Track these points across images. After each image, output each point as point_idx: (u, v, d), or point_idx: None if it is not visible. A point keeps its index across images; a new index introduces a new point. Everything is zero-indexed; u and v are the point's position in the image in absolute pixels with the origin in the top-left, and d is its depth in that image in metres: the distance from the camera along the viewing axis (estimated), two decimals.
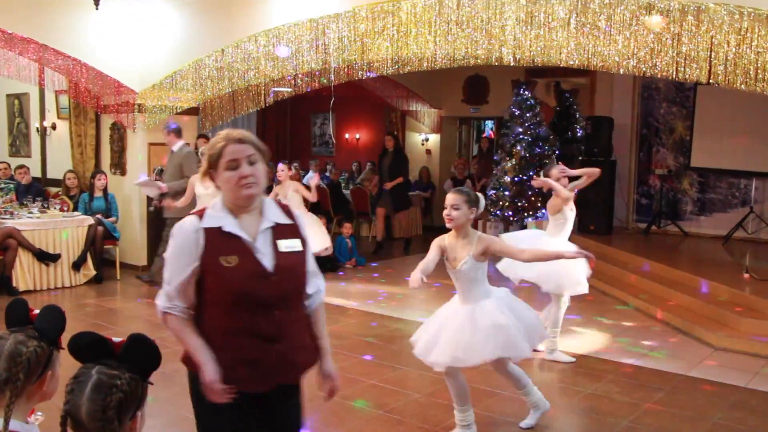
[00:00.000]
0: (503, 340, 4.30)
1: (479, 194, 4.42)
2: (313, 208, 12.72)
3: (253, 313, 2.62)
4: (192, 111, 10.32)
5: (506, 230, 12.70)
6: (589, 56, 6.83)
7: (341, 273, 10.26)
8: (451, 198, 4.35)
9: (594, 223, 11.83)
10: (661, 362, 6.25)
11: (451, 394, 4.63)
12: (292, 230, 2.78)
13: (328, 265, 9.80)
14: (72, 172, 10.23)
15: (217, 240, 2.62)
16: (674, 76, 6.41)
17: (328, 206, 13.25)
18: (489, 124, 18.19)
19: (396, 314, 7.33)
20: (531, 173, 12.30)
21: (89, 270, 9.19)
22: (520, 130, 12.43)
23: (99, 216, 9.44)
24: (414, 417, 5.01)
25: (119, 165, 10.26)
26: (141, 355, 1.95)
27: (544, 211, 12.36)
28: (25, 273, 8.67)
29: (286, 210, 2.82)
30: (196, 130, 10.59)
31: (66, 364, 2.00)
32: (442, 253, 4.41)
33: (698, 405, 5.27)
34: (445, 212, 4.36)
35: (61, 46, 8.95)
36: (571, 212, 6.43)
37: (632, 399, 5.35)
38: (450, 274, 4.47)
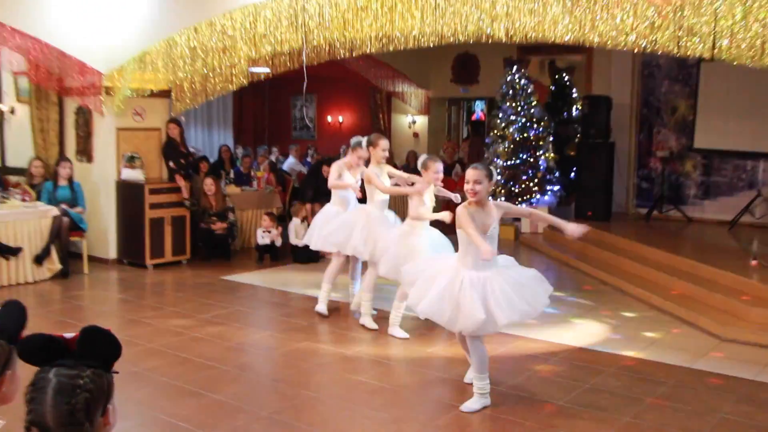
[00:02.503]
0: (544, 284, 5.07)
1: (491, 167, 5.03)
2: (294, 194, 12.69)
3: None
4: (163, 93, 10.23)
5: None
6: (586, 32, 6.80)
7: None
8: (472, 174, 4.89)
9: (592, 208, 11.87)
10: (664, 354, 6.27)
11: (473, 361, 5.08)
12: None
13: (309, 254, 9.77)
14: (38, 160, 10.13)
15: None
16: (676, 51, 6.40)
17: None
18: (480, 104, 18.19)
19: (386, 307, 7.32)
20: (525, 156, 12.31)
21: (54, 264, 9.10)
22: (513, 111, 12.43)
23: (64, 206, 9.35)
24: (402, 415, 5.00)
25: (85, 151, 10.16)
26: (98, 348, 1.92)
27: (539, 196, 12.39)
28: None
29: None
30: (167, 113, 10.50)
31: (27, 365, 1.96)
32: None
33: (704, 399, 5.29)
34: (467, 187, 4.89)
35: (20, 23, 8.84)
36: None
37: (633, 393, 5.36)
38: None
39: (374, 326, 6.98)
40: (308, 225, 10.32)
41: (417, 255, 6.42)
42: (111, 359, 1.93)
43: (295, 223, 10.46)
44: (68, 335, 1.92)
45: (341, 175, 7.19)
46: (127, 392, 5.14)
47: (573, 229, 5.16)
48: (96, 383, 1.87)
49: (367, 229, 6.93)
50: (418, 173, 6.83)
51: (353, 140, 7.31)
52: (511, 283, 4.90)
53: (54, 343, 1.90)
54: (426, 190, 6.48)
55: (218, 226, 10.30)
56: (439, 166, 6.49)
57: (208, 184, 10.35)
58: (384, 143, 7.04)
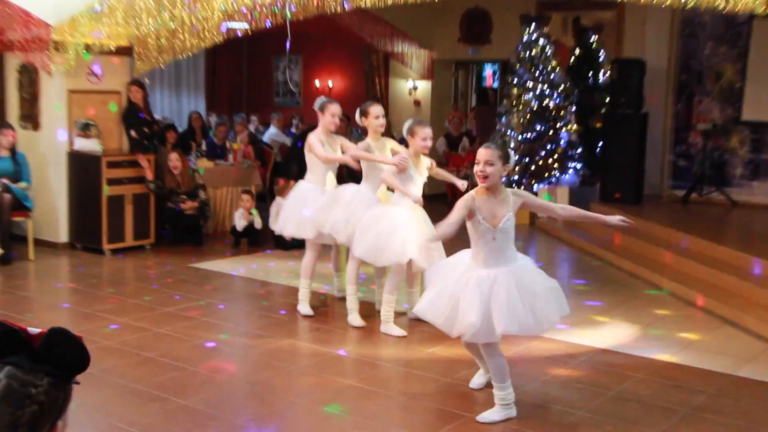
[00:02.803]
0: (561, 301, 5.02)
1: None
2: (276, 170, 12.66)
3: None
4: (123, 51, 10.17)
5: None
6: None
7: None
8: (484, 153, 4.82)
9: (620, 189, 11.85)
10: (703, 359, 6.28)
11: (491, 371, 5.05)
12: None
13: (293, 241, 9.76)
14: None
15: None
16: (722, 6, 6.37)
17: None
18: (491, 68, 18.15)
19: (375, 299, 7.32)
20: (543, 128, 12.29)
21: None
22: (530, 76, 12.40)
23: (5, 181, 9.32)
24: (398, 424, 5.01)
25: (31, 117, 10.11)
26: (63, 356, 1.89)
27: (559, 175, 12.39)
28: None
29: None
30: (128, 74, 10.45)
31: None
32: (469, 216, 4.83)
33: (749, 411, 5.29)
34: (477, 168, 4.82)
35: None
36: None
37: (666, 403, 5.37)
38: (481, 235, 4.86)
39: (361, 323, 6.97)
40: None
41: (398, 236, 6.45)
42: (75, 370, 1.91)
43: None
44: (33, 330, 1.89)
45: (324, 146, 7.11)
46: (80, 397, 5.10)
47: (617, 220, 5.13)
48: (50, 396, 1.84)
49: (350, 208, 6.84)
50: None
51: (317, 102, 7.19)
52: (522, 288, 4.83)
53: (14, 337, 1.87)
54: (416, 162, 6.45)
55: (188, 206, 10.28)
56: (428, 132, 6.46)
57: (174, 160, 10.31)
58: (375, 109, 7.00)
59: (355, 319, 7.01)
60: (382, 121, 7.03)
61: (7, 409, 1.77)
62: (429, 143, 6.48)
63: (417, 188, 6.57)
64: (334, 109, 7.08)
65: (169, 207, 10.27)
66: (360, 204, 6.84)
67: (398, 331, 6.73)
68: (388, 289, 6.76)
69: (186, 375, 5.76)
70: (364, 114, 7.03)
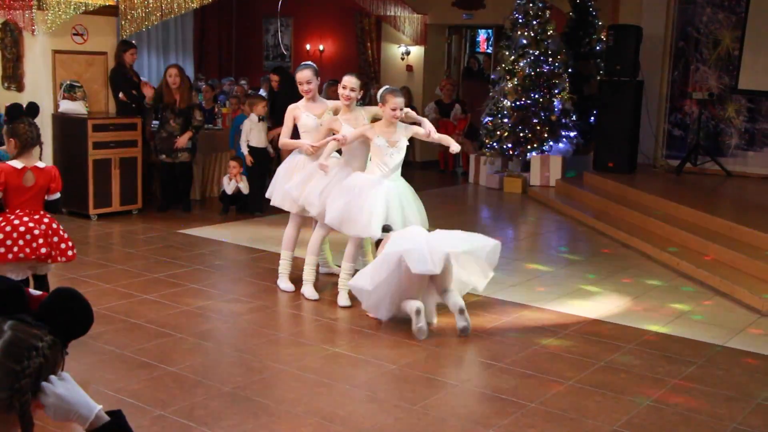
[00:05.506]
0: None
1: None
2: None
3: None
4: (109, 10, 10.08)
5: (505, 166, 12.73)
6: None
7: None
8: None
9: (613, 158, 11.86)
10: (693, 330, 6.32)
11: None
12: None
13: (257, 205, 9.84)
14: None
15: None
16: None
17: None
18: (487, 33, 18.06)
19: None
20: (537, 96, 12.27)
21: None
22: (525, 41, 12.35)
23: None
24: (387, 393, 5.05)
25: (14, 78, 10.02)
26: (68, 316, 1.91)
27: (552, 143, 12.39)
28: None
29: None
30: (115, 36, 10.36)
31: None
32: None
33: (738, 382, 5.34)
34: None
35: None
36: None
37: (656, 374, 5.41)
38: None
39: (315, 296, 6.88)
40: (271, 125, 10.25)
41: (365, 211, 6.36)
42: (77, 333, 1.92)
43: (251, 120, 10.24)
44: (34, 292, 1.91)
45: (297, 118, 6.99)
46: (67, 363, 5.13)
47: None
48: (53, 353, 1.86)
49: (326, 180, 6.67)
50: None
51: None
52: None
53: (18, 294, 1.88)
54: (387, 132, 6.45)
55: (181, 143, 10.04)
56: (398, 101, 6.38)
57: (173, 75, 9.99)
58: (343, 80, 6.78)
59: (308, 291, 6.91)
60: (348, 92, 6.69)
61: (12, 358, 1.77)
62: (398, 114, 6.38)
63: (390, 159, 6.49)
64: (299, 76, 6.93)
65: (162, 160, 10.14)
66: (337, 177, 6.68)
67: (346, 302, 6.66)
68: (346, 256, 6.73)
69: (173, 341, 5.78)
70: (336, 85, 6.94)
